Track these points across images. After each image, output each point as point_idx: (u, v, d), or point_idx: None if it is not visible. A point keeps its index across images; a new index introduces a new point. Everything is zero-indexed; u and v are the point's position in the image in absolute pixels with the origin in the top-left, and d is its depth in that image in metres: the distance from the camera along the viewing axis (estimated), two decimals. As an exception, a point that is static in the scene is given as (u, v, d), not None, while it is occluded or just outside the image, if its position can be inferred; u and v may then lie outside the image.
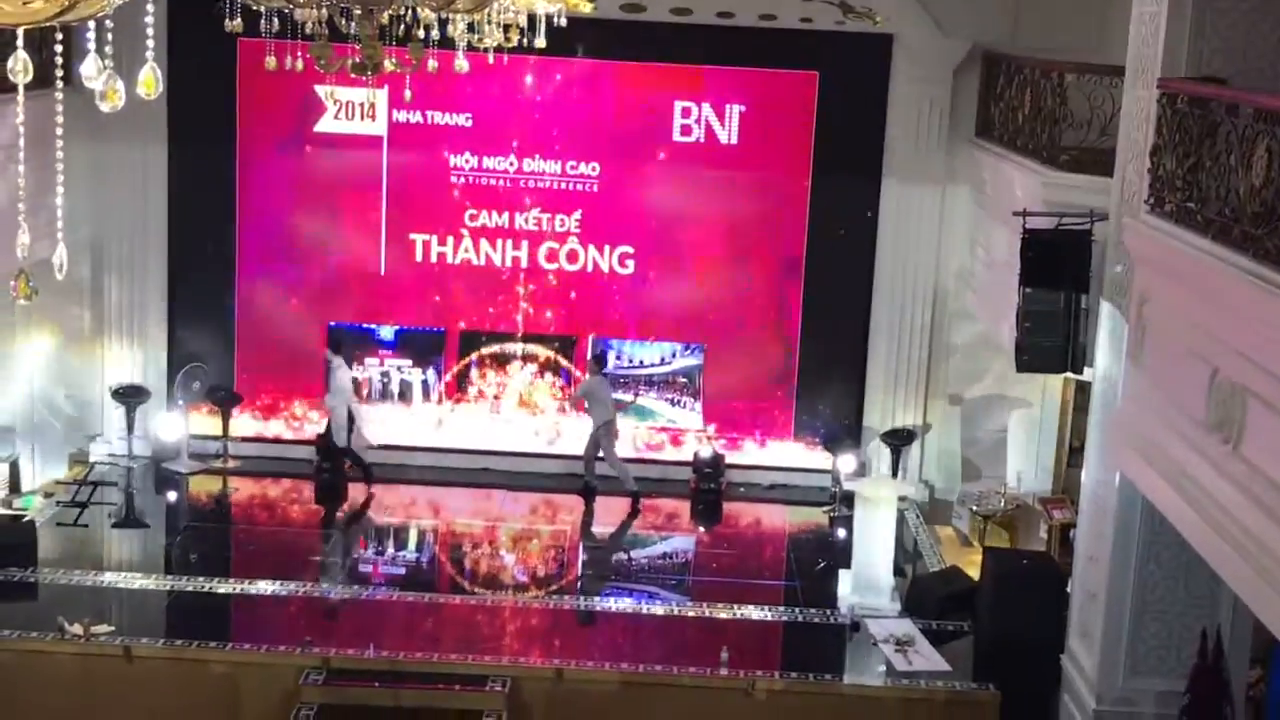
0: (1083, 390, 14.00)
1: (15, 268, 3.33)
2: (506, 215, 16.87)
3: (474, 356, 17.13)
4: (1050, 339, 12.05)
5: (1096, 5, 14.84)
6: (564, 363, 17.11)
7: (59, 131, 3.30)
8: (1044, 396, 16.16)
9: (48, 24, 2.89)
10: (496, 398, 17.15)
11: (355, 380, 16.46)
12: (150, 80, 3.14)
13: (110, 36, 3.18)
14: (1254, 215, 8.28)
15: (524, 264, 16.97)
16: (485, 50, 9.47)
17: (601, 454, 16.21)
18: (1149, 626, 11.13)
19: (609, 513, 16.23)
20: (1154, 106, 10.37)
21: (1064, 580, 12.69)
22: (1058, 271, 11.96)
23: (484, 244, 16.92)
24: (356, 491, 16.47)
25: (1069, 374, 13.31)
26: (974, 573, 13.87)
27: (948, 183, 16.38)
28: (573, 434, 16.90)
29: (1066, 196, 12.37)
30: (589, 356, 16.62)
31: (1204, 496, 8.72)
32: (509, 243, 16.93)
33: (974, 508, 15.99)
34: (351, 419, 16.20)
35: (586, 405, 16.30)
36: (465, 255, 16.94)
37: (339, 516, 16.21)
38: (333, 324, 16.99)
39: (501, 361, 17.13)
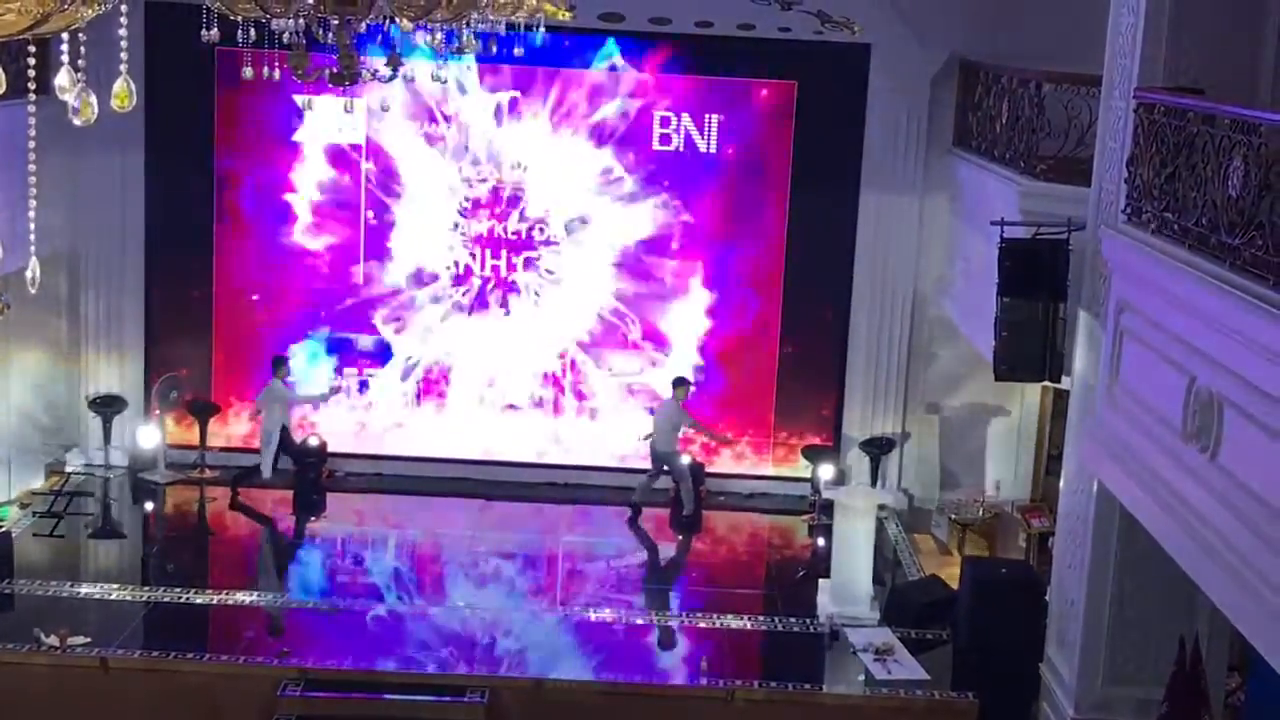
0: (1061, 399, 14.03)
1: (-13, 283, 3.30)
2: (487, 224, 16.86)
3: (455, 366, 17.10)
4: (1028, 348, 12.07)
5: (1074, 15, 14.87)
6: (547, 371, 17.11)
7: (31, 145, 3.28)
8: (1022, 405, 16.20)
9: (20, 36, 2.87)
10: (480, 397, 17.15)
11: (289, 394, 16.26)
12: (124, 93, 3.12)
13: (83, 50, 3.16)
14: (1230, 225, 8.31)
15: (504, 273, 16.95)
16: (464, 60, 9.46)
17: (673, 478, 16.16)
18: (1127, 635, 11.15)
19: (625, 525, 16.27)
20: (1131, 116, 10.41)
21: (1042, 588, 12.71)
22: (1035, 281, 11.99)
23: (464, 253, 16.89)
24: (335, 501, 16.43)
25: (1047, 383, 13.35)
26: (953, 581, 13.87)
27: (926, 192, 16.41)
28: (564, 442, 16.94)
29: (1044, 206, 12.40)
30: (671, 380, 16.36)
31: (1181, 505, 8.74)
32: (489, 251, 16.91)
33: (953, 516, 16.02)
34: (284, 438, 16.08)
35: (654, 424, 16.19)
36: (447, 264, 16.91)
37: (317, 526, 16.14)
38: (310, 334, 16.94)
39: (485, 370, 17.10)
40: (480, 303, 16.99)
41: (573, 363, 17.08)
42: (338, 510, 16.43)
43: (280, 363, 16.14)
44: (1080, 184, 11.87)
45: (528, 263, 16.93)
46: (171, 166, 16.61)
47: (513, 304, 17.00)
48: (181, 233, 16.77)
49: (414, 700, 11.91)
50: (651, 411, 16.58)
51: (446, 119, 16.65)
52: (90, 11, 2.98)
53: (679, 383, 16.20)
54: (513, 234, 16.86)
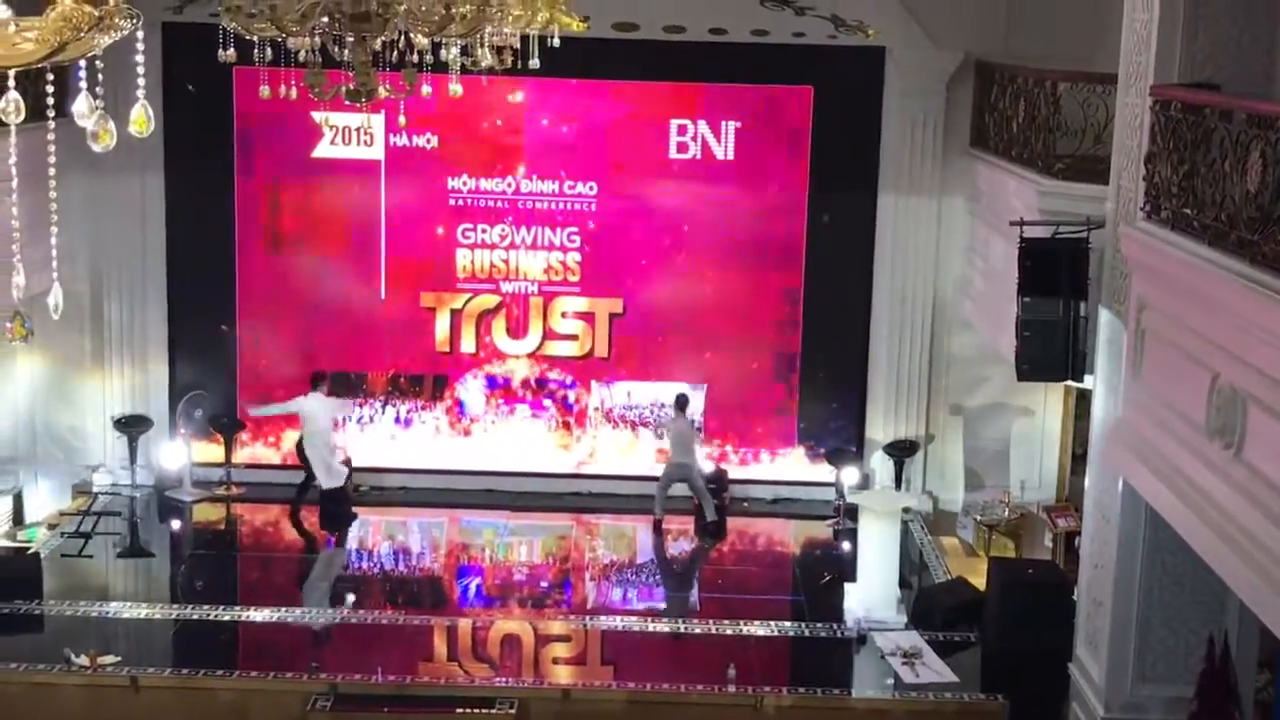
0: (1084, 398, 14.00)
1: (10, 308, 3.33)
2: (508, 237, 16.88)
3: (475, 379, 17.13)
4: (1050, 348, 12.04)
5: (1088, 13, 14.86)
6: (564, 385, 17.13)
7: (51, 170, 3.31)
8: (1045, 405, 16.17)
9: (38, 65, 2.90)
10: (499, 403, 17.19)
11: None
12: (141, 119, 3.15)
13: (101, 76, 3.19)
14: (1249, 220, 8.30)
15: (524, 286, 16.97)
16: (479, 73, 9.49)
17: (690, 491, 16.20)
18: (1156, 633, 11.12)
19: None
20: (1147, 114, 10.40)
21: (1070, 589, 12.68)
22: (1056, 280, 11.96)
23: (483, 266, 16.92)
24: (361, 515, 16.43)
25: (1070, 382, 13.31)
26: (980, 583, 13.84)
27: (944, 194, 16.39)
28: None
29: (1063, 205, 12.38)
30: (674, 397, 16.34)
31: (1207, 502, 8.72)
32: (507, 264, 16.93)
33: (978, 517, 15.97)
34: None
35: (668, 445, 16.28)
36: (464, 276, 16.95)
37: (344, 541, 16.16)
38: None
39: (504, 384, 17.13)
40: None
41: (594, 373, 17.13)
42: (364, 524, 16.43)
43: (321, 377, 16.08)
44: (1098, 182, 11.86)
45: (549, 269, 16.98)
46: (192, 185, 16.67)
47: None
48: (203, 251, 16.83)
49: (443, 712, 11.92)
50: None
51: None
52: (106, 39, 3.01)
53: (685, 402, 16.22)
54: (532, 244, 16.91)
